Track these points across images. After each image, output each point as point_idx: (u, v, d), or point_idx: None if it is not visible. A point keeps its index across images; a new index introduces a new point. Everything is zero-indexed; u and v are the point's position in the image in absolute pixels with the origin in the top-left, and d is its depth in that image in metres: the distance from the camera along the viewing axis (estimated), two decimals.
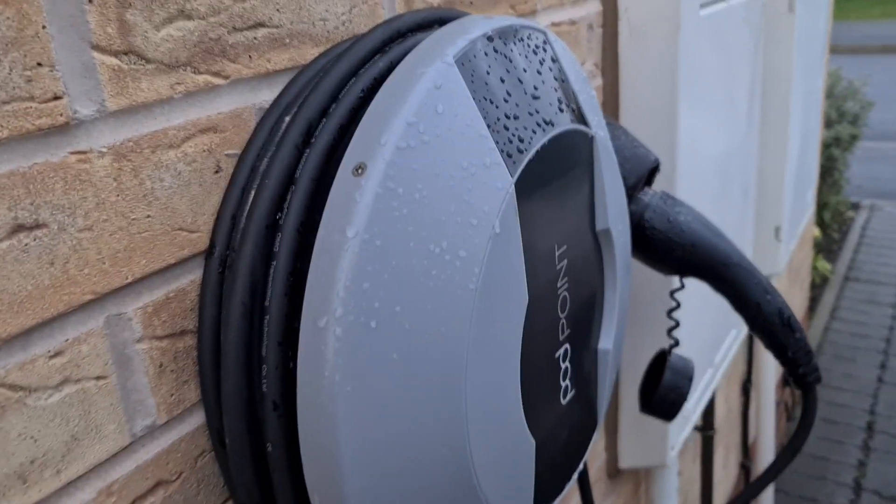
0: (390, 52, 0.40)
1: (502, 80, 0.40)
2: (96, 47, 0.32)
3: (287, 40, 0.41)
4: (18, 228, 0.30)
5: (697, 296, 0.95)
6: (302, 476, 0.35)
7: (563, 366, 0.46)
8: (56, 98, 0.30)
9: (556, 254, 0.44)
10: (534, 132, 0.41)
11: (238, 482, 0.37)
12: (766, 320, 0.67)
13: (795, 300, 2.27)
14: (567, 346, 0.47)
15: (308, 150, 0.37)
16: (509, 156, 0.39)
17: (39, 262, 0.31)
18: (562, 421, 0.47)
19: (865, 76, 4.23)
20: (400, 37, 0.42)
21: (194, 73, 0.36)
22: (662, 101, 0.80)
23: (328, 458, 0.33)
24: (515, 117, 0.40)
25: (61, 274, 0.31)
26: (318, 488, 0.34)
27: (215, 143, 0.38)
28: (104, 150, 0.33)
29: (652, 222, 0.67)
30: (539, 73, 0.43)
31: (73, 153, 0.31)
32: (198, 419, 0.38)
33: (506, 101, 0.40)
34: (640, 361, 0.88)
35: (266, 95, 0.40)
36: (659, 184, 0.82)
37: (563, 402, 0.47)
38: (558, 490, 0.48)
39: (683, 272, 0.69)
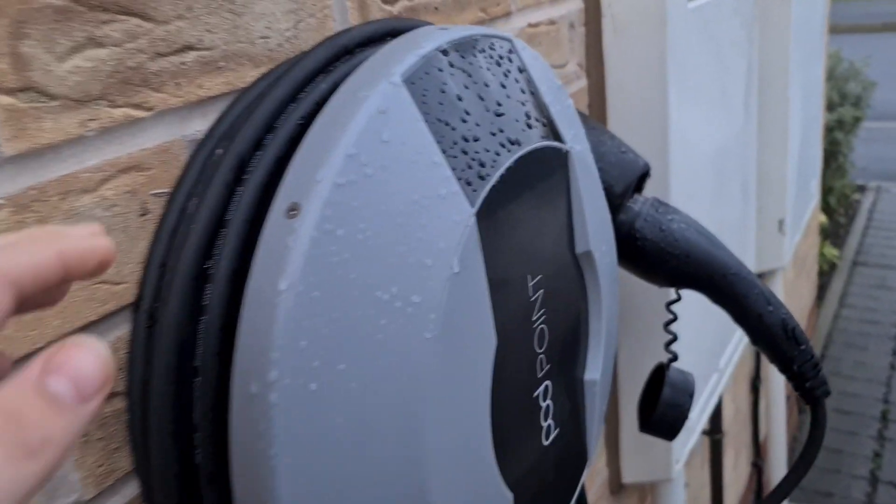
0: (335, 72, 0.36)
1: (460, 99, 0.36)
2: None
3: (222, 63, 0.37)
4: None
5: (699, 299, 0.91)
6: None
7: (543, 405, 0.42)
8: None
9: (530, 285, 0.40)
10: (497, 154, 0.37)
11: None
12: (768, 332, 0.63)
13: (803, 291, 2.22)
14: (548, 382, 0.43)
15: (241, 189, 0.33)
16: (469, 183, 0.35)
17: None
18: (545, 463, 0.43)
19: (866, 56, 4.17)
20: (347, 53, 0.38)
21: (110, 106, 0.32)
22: (652, 99, 0.76)
23: None
24: (475, 139, 0.36)
25: None
26: None
27: (140, 183, 0.34)
28: (1, 201, 0.29)
29: (643, 232, 0.63)
30: (504, 86, 0.39)
31: None
32: (132, 489, 0.34)
33: (464, 121, 0.36)
34: (641, 373, 0.84)
35: (199, 125, 0.36)
36: (652, 187, 0.77)
37: (546, 442, 0.43)
38: None
39: (679, 284, 0.65)
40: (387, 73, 0.33)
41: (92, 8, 0.31)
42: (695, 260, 0.63)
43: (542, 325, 0.41)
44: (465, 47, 0.38)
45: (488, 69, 0.39)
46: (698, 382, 1.09)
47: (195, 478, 0.31)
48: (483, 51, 0.39)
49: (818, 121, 1.73)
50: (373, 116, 0.31)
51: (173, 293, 0.31)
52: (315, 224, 0.29)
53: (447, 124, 0.35)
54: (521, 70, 0.42)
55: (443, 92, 0.35)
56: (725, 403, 1.35)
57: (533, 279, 0.40)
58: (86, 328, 0.32)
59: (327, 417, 0.29)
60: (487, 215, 0.36)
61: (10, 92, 0.29)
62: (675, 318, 0.69)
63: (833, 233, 3.68)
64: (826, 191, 3.61)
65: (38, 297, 0.22)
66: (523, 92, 0.41)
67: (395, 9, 0.48)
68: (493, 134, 0.37)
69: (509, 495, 0.38)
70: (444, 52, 0.36)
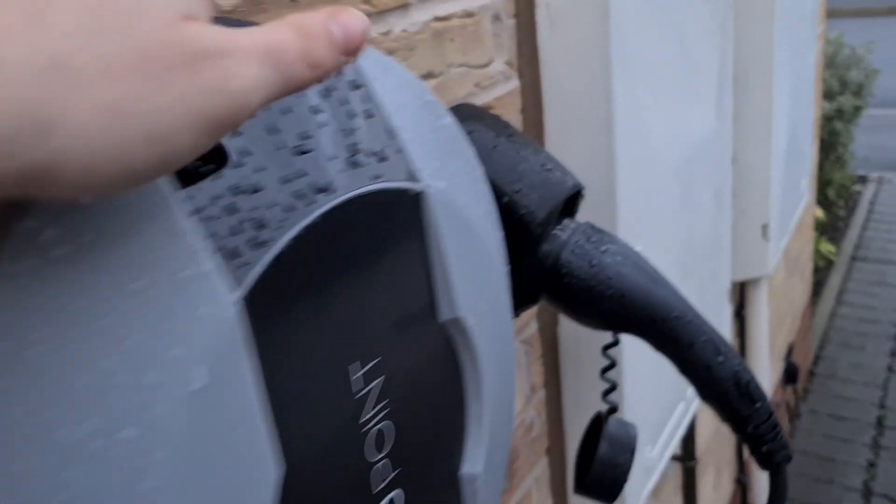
0: None
1: (237, 133, 0.26)
2: None
3: None
4: None
5: None
6: None
7: None
8: None
9: (356, 376, 0.30)
10: (290, 209, 0.26)
11: None
12: (718, 387, 0.53)
13: (796, 291, 2.12)
14: (398, 490, 0.33)
15: None
16: (235, 256, 0.25)
17: None
18: None
19: (869, 41, 4.03)
20: None
21: None
22: (596, 102, 0.66)
23: None
24: (254, 190, 0.26)
25: None
26: None
27: None
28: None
29: (570, 267, 0.53)
30: (315, 112, 0.29)
31: None
32: None
33: (238, 165, 0.25)
34: (583, 422, 0.74)
35: None
36: (594, 206, 0.67)
37: None
38: None
39: (614, 327, 0.55)
40: None
41: None
42: (630, 301, 0.52)
43: (384, 423, 0.31)
44: None
45: None
46: (664, 413, 0.99)
47: None
48: None
49: (810, 115, 1.61)
50: None
51: None
52: None
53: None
54: (357, 86, 0.31)
55: None
56: (702, 423, 1.25)
57: (363, 367, 0.30)
58: None
59: None
60: (269, 297, 0.25)
61: None
62: (613, 365, 0.59)
63: (832, 227, 3.56)
64: (825, 183, 3.49)
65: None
66: (352, 116, 0.30)
67: (227, 4, 0.38)
68: (286, 182, 0.27)
69: None
70: None
